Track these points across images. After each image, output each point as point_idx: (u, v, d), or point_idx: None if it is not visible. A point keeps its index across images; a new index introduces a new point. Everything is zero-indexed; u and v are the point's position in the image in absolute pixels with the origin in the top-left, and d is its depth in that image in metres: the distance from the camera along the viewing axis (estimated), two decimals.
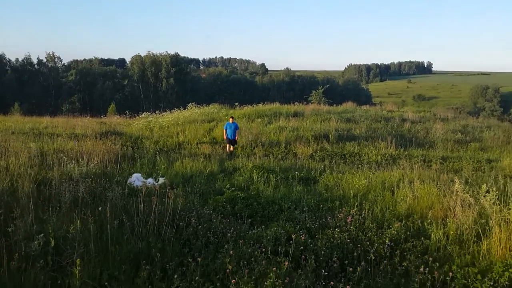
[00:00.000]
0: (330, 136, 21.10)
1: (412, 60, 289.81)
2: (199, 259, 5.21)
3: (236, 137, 18.64)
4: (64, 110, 65.26)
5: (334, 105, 38.53)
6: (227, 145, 18.61)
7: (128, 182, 9.63)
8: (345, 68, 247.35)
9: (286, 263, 5.08)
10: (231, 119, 18.74)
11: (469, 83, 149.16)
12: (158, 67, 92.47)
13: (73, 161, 10.20)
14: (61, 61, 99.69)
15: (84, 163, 10.25)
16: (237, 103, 33.52)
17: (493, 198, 6.69)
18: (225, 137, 18.67)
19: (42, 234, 5.09)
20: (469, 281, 4.89)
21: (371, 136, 22.25)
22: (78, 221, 5.59)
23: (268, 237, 6.24)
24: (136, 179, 10.12)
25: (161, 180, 9.90)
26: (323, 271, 5.16)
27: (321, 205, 8.39)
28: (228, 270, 4.83)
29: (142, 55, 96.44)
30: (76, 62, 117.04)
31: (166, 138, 20.92)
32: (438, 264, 5.36)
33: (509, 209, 6.38)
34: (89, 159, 11.00)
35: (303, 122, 25.17)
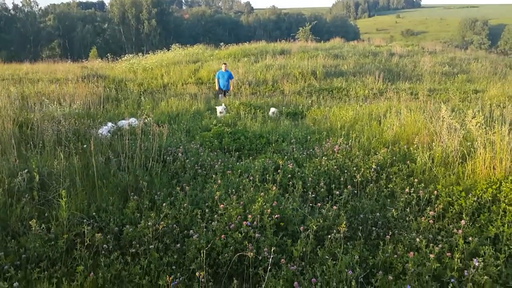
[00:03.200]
0: (317, 72, 20.84)
1: None
2: (187, 187, 5.22)
3: (231, 88, 16.61)
4: (44, 56, 63.29)
5: (322, 42, 37.74)
6: (219, 95, 16.43)
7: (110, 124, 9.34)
8: (333, 4, 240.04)
9: (274, 188, 5.12)
10: (223, 67, 16.55)
11: (458, 16, 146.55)
12: (138, 8, 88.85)
13: (55, 103, 9.96)
14: (37, 5, 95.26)
15: (66, 105, 10.02)
16: (222, 43, 32.65)
17: (479, 122, 6.71)
18: (216, 87, 16.73)
19: (26, 170, 5.03)
20: (453, 198, 4.98)
21: (358, 71, 22.03)
22: (62, 157, 5.51)
23: (256, 167, 6.25)
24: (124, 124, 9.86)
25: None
26: (310, 193, 5.22)
27: (309, 137, 8.40)
28: (216, 197, 4.85)
29: None
30: (53, 6, 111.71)
31: (150, 80, 20.50)
32: (423, 185, 5.45)
33: (494, 132, 6.41)
34: (71, 101, 10.76)
35: (290, 59, 24.73)
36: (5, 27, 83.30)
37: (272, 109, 8.43)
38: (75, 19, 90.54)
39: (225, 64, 16.85)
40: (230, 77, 16.55)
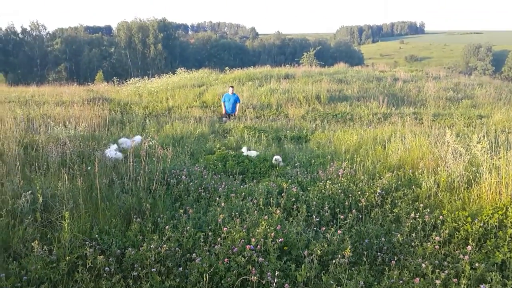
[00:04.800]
0: (321, 97, 20.94)
1: (404, 21, 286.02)
2: (190, 210, 5.19)
3: (236, 112, 16.19)
4: (51, 79, 64.04)
5: (326, 67, 38.08)
6: (224, 118, 16.06)
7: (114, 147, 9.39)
8: (337, 30, 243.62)
9: (278, 211, 5.08)
10: (230, 90, 16.26)
11: (462, 42, 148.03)
12: (145, 33, 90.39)
13: (60, 125, 10.04)
14: (45, 29, 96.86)
15: (71, 127, 10.10)
16: (227, 68, 33.00)
17: (484, 147, 6.69)
18: (223, 111, 16.27)
19: (29, 191, 5.02)
20: (459, 224, 4.92)
21: (363, 96, 22.14)
22: (66, 179, 5.51)
23: (260, 190, 6.22)
24: (124, 142, 9.94)
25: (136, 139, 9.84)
26: (314, 217, 5.17)
27: (313, 161, 8.38)
28: (219, 220, 4.82)
29: (129, 21, 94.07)
30: (61, 30, 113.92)
31: (155, 103, 20.65)
32: (428, 210, 5.40)
33: (500, 157, 6.38)
34: (76, 124, 10.84)
35: (295, 84, 24.91)
36: (13, 50, 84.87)
37: (276, 157, 8.48)
38: (82, 43, 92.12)
39: (232, 87, 16.65)
40: (236, 100, 16.28)
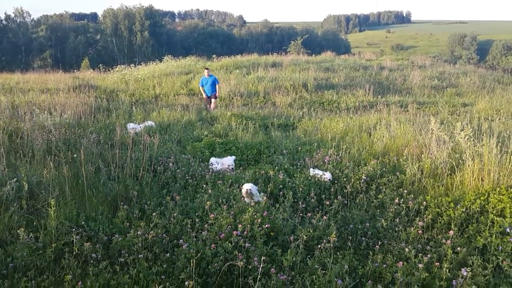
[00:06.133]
0: (308, 85, 20.97)
1: (391, 10, 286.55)
2: (177, 197, 5.20)
3: (217, 93, 15.76)
4: (36, 67, 62.94)
5: (313, 55, 38.08)
6: (208, 105, 15.70)
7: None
8: (324, 18, 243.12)
9: (265, 198, 5.12)
10: (206, 72, 15.70)
11: (447, 31, 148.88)
12: (131, 20, 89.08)
13: (46, 113, 9.92)
14: (30, 16, 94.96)
15: (57, 114, 9.99)
16: (214, 55, 32.77)
17: (467, 134, 6.81)
18: (204, 96, 15.88)
19: (15, 179, 4.98)
20: (442, 209, 5.03)
21: (349, 84, 22.22)
22: (52, 166, 5.47)
23: (247, 177, 6.26)
24: (134, 127, 9.99)
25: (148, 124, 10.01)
26: (300, 203, 5.23)
27: (300, 148, 8.43)
28: (206, 207, 4.85)
29: (115, 8, 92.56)
30: (46, 17, 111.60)
31: (142, 90, 20.49)
32: (412, 196, 5.51)
33: (483, 144, 6.50)
34: (62, 111, 10.72)
35: (282, 72, 24.88)
36: None
37: (247, 187, 5.49)
38: (67, 30, 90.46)
39: (207, 69, 16.05)
40: (215, 81, 15.63)
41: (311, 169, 6.58)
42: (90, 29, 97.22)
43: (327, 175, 6.19)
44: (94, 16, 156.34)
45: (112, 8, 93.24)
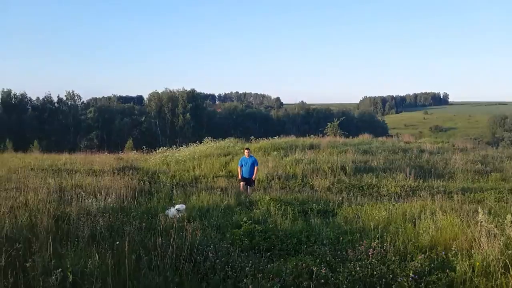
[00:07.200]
0: (347, 168, 20.91)
1: (428, 92, 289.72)
2: None
3: (254, 176, 15.39)
4: (82, 147, 66.40)
5: (350, 137, 38.37)
6: (241, 183, 15.42)
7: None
8: (360, 100, 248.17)
9: None
10: (246, 152, 15.67)
11: (487, 113, 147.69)
12: (175, 103, 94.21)
13: (91, 196, 10.27)
14: (80, 99, 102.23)
15: (102, 198, 10.31)
16: (252, 137, 33.59)
17: None
18: (239, 176, 15.59)
19: (60, 269, 5.05)
20: None
21: (389, 167, 21.98)
22: (97, 256, 5.56)
23: (288, 271, 6.09)
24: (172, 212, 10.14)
25: (180, 207, 10.07)
26: None
27: (341, 238, 8.21)
28: None
29: (160, 92, 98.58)
30: (95, 99, 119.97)
31: (182, 172, 21.01)
32: None
33: None
34: (107, 194, 11.07)
35: (320, 154, 25.06)
36: (49, 118, 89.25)
37: (178, 207, 7.81)
38: (114, 112, 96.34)
39: (247, 149, 15.97)
40: (254, 163, 15.46)
41: None
42: (136, 111, 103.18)
43: None
44: (139, 99, 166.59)
45: (157, 92, 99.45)
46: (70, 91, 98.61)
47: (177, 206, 10.34)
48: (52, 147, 59.59)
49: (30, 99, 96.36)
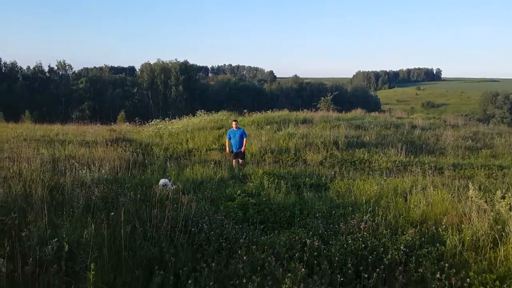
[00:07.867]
0: (339, 142, 21.00)
1: (421, 67, 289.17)
2: (212, 264, 5.18)
3: (243, 148, 15.22)
4: (74, 118, 65.78)
5: (343, 112, 38.39)
6: (233, 160, 15.17)
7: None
8: (354, 75, 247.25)
9: (302, 269, 5.02)
10: (234, 124, 15.44)
11: (479, 90, 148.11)
12: (167, 74, 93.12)
13: (85, 167, 10.26)
14: (71, 69, 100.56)
15: (96, 169, 10.30)
16: (245, 110, 33.48)
17: (508, 204, 6.59)
18: (228, 150, 15.50)
19: (55, 239, 5.09)
20: (487, 287, 4.80)
21: (381, 143, 22.11)
22: (93, 226, 5.59)
23: (281, 243, 6.19)
24: (165, 183, 10.11)
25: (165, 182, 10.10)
26: (338, 277, 5.10)
27: (333, 211, 8.33)
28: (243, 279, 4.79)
29: (152, 63, 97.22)
30: (86, 70, 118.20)
31: (175, 145, 20.97)
32: (454, 271, 5.27)
33: None
34: (100, 165, 11.05)
35: (312, 128, 25.10)
36: (39, 88, 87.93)
37: (163, 181, 8.58)
38: (106, 83, 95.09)
39: (235, 121, 15.80)
40: (243, 135, 15.26)
41: None
42: (128, 82, 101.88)
43: None
44: (132, 70, 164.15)
45: (149, 63, 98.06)
46: (61, 61, 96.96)
47: (161, 182, 9.96)
48: (44, 118, 58.96)
49: (21, 68, 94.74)
